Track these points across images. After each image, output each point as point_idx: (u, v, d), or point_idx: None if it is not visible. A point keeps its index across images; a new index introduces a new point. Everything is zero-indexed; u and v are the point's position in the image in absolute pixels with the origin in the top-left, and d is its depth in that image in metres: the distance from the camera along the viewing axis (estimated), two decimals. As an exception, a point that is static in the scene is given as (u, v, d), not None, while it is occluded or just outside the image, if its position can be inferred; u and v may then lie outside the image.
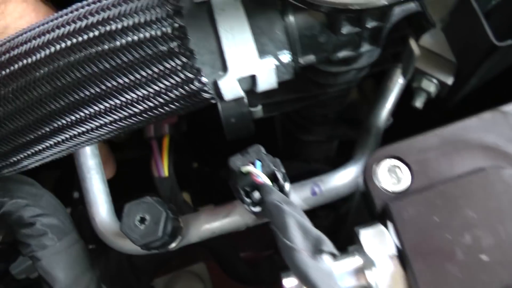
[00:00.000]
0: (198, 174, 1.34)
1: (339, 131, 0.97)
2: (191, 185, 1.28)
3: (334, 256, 0.45)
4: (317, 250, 0.45)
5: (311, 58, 0.63)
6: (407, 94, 0.88)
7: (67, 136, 0.60)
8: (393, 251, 0.47)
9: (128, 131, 0.63)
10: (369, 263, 0.48)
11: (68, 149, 0.64)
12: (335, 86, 0.77)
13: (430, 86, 0.86)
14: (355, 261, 0.49)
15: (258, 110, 0.82)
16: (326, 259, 0.45)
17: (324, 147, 1.01)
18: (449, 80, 0.85)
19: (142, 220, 0.66)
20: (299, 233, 0.45)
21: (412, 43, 0.79)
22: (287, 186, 0.65)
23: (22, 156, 0.62)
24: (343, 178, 0.74)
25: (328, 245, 0.45)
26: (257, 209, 0.58)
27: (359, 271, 0.49)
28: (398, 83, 0.87)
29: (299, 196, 0.74)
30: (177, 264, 1.12)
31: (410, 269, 0.45)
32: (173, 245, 0.72)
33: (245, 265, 1.01)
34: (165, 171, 0.94)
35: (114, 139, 0.97)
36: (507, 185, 0.47)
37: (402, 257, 0.47)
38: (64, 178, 1.25)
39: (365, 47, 0.63)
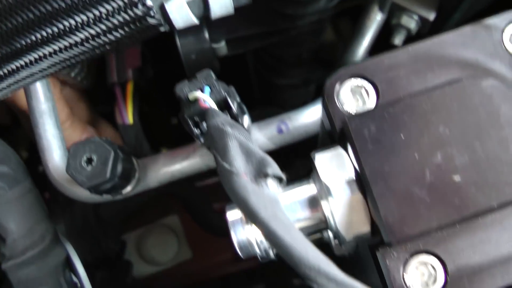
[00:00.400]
0: (177, 130, 1.26)
1: (315, 74, 0.89)
2: (171, 141, 1.21)
3: (280, 180, 0.38)
4: (260, 174, 0.37)
5: None
6: (386, 31, 0.80)
7: (5, 71, 0.54)
8: (351, 175, 0.40)
9: (75, 63, 0.56)
10: (324, 191, 0.40)
11: (9, 87, 0.57)
12: (304, 18, 0.69)
13: (411, 23, 0.80)
14: (309, 189, 0.42)
15: (221, 46, 0.74)
16: (271, 184, 0.37)
17: (300, 92, 0.93)
18: (431, 16, 0.79)
19: (89, 161, 0.59)
20: (240, 155, 0.38)
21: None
22: (246, 119, 0.57)
23: None
24: (312, 115, 0.66)
25: (274, 167, 0.38)
26: (207, 140, 0.50)
27: (313, 201, 0.41)
28: (375, 20, 0.80)
29: (264, 134, 0.67)
30: (149, 217, 1.06)
31: (370, 195, 0.38)
32: (128, 188, 0.65)
33: (218, 216, 0.95)
34: (129, 118, 0.86)
35: (77, 87, 0.89)
36: (486, 96, 0.39)
37: (361, 181, 0.39)
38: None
39: None
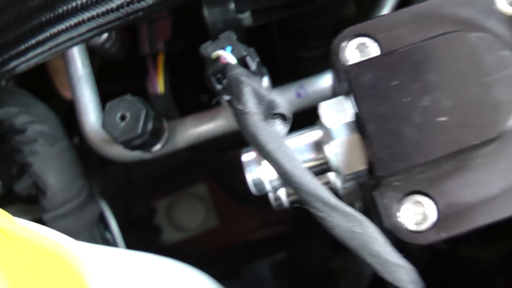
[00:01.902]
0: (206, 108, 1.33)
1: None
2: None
3: (285, 118, 0.44)
4: (270, 115, 0.44)
5: None
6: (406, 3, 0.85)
7: (48, 34, 0.60)
8: (350, 118, 0.46)
9: (107, 30, 0.63)
10: (327, 135, 0.47)
11: (50, 50, 0.64)
12: (322, -11, 0.75)
13: None
14: (314, 134, 0.48)
15: (246, 17, 0.80)
16: (278, 123, 0.44)
17: (321, 65, 0.98)
18: None
19: (123, 118, 0.66)
20: (252, 99, 0.44)
21: None
22: (265, 80, 0.63)
23: (6, 56, 0.62)
24: (329, 80, 0.72)
25: (281, 107, 0.44)
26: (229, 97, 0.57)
27: (318, 144, 0.48)
28: (394, -8, 0.84)
29: (284, 98, 0.73)
30: (178, 186, 1.13)
31: (366, 134, 0.44)
32: (157, 146, 0.72)
33: (244, 185, 1.01)
34: (160, 87, 0.93)
35: (111, 58, 0.96)
36: (472, 47, 0.44)
37: (359, 123, 0.45)
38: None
39: None
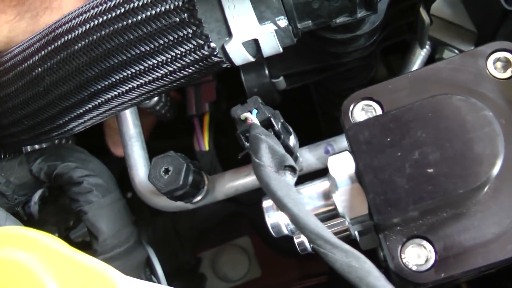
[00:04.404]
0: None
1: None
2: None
3: (293, 169, 0.53)
4: (281, 167, 0.53)
5: (308, 23, 0.69)
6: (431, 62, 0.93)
7: (103, 100, 0.71)
8: (352, 170, 0.55)
9: (156, 95, 0.73)
10: (334, 184, 0.56)
11: (105, 113, 0.75)
12: (348, 55, 0.85)
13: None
14: (324, 184, 0.57)
15: (280, 81, 0.91)
16: (288, 174, 0.53)
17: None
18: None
19: (166, 171, 0.77)
20: (267, 154, 0.54)
21: (423, 12, 0.84)
22: (291, 138, 0.73)
23: (66, 119, 0.74)
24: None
25: (290, 161, 0.53)
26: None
27: (327, 193, 0.56)
28: (420, 55, 0.93)
29: (313, 155, 0.82)
30: (222, 238, 1.23)
31: (363, 184, 0.53)
32: (198, 197, 0.82)
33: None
34: (205, 145, 1.04)
35: (162, 118, 1.09)
36: (455, 108, 0.53)
37: (358, 174, 0.54)
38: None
39: (361, 13, 0.69)
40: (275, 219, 0.59)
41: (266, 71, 0.88)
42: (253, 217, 1.16)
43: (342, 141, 0.83)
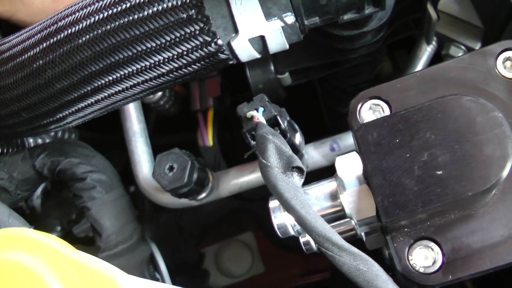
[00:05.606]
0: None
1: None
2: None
3: (301, 170, 0.53)
4: (289, 168, 0.53)
5: (315, 20, 0.69)
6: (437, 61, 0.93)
7: (105, 94, 0.70)
8: (360, 171, 0.54)
9: (160, 90, 0.73)
10: (341, 185, 0.55)
11: (107, 107, 0.74)
12: (354, 52, 0.84)
13: (459, 53, 0.91)
14: (331, 184, 0.57)
15: (285, 77, 0.90)
16: (295, 175, 0.53)
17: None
18: (477, 46, 0.89)
19: (171, 168, 0.76)
20: (274, 154, 0.54)
21: (430, 8, 0.83)
22: (297, 136, 0.72)
23: (67, 112, 0.73)
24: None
25: (298, 162, 0.53)
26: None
27: (335, 194, 0.56)
28: (426, 50, 0.92)
29: (318, 152, 0.82)
30: (226, 234, 1.23)
31: (372, 185, 0.52)
32: (202, 195, 0.82)
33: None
34: (209, 141, 1.04)
35: (166, 113, 1.08)
36: (465, 109, 0.52)
37: (366, 175, 0.53)
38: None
39: (369, 9, 0.68)
40: (282, 219, 0.58)
41: (272, 67, 0.88)
42: (257, 213, 1.16)
43: (347, 139, 0.82)
